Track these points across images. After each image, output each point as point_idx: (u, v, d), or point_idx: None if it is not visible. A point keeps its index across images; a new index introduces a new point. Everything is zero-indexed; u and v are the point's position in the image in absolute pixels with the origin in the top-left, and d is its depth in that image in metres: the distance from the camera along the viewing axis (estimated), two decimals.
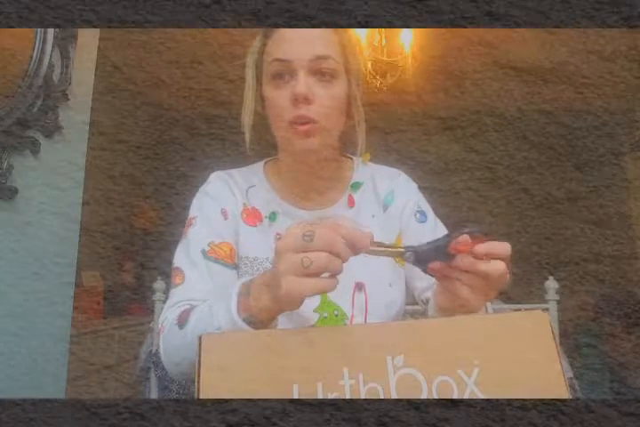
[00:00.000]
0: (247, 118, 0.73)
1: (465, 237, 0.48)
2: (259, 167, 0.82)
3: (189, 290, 0.68)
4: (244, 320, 0.51)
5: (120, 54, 2.79)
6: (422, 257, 0.49)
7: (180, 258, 0.72)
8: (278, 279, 0.45)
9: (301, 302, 0.47)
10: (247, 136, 0.73)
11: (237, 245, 0.74)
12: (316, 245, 0.44)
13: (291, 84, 0.67)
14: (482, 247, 0.48)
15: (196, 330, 0.56)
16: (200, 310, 0.59)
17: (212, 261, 0.70)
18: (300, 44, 0.68)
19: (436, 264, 0.50)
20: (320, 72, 0.68)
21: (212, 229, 0.73)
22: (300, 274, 0.44)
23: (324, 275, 0.45)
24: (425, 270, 0.50)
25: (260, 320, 0.51)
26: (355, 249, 0.46)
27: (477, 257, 0.48)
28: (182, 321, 0.60)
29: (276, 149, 0.78)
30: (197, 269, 0.70)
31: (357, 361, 0.43)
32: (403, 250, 0.49)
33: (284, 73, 0.68)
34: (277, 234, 0.75)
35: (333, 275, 0.46)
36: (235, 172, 0.80)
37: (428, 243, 0.50)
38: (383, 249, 0.49)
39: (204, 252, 0.71)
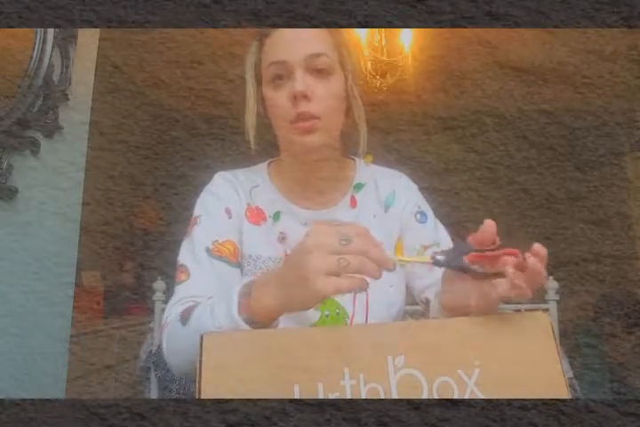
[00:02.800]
0: (250, 121, 0.74)
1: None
2: (262, 167, 0.82)
3: (193, 287, 0.68)
4: (244, 320, 0.51)
5: (120, 54, 2.79)
6: (453, 254, 0.49)
7: (184, 255, 0.72)
8: (304, 278, 0.45)
9: (320, 301, 0.47)
10: (251, 138, 0.74)
11: (241, 243, 0.75)
12: (352, 250, 0.44)
13: (289, 84, 0.68)
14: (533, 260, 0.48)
15: (197, 328, 0.56)
16: (202, 308, 0.59)
17: (216, 259, 0.71)
18: (294, 44, 0.69)
19: (474, 254, 0.49)
20: (316, 69, 0.68)
21: (216, 228, 0.74)
22: (333, 274, 0.44)
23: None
24: (460, 264, 0.49)
25: (260, 320, 0.51)
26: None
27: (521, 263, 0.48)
28: (185, 318, 0.60)
29: (278, 149, 0.79)
30: (202, 267, 0.70)
31: (358, 361, 0.43)
32: (430, 259, 0.49)
33: (282, 74, 0.69)
34: (281, 233, 0.75)
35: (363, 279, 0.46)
36: (239, 172, 0.81)
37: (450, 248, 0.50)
38: (410, 259, 0.50)
39: (208, 250, 0.71)
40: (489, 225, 0.48)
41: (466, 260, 0.48)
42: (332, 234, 0.45)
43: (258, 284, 0.52)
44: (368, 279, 0.46)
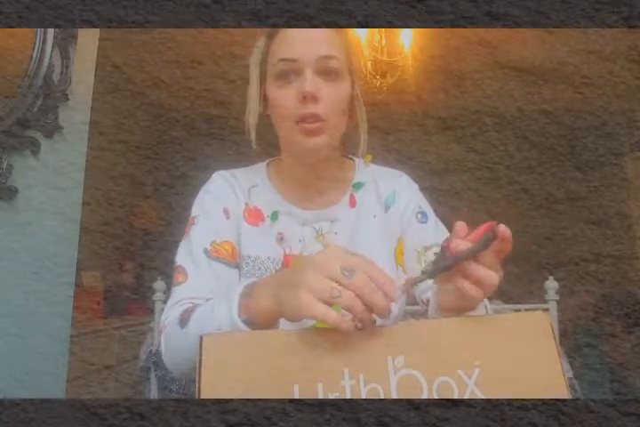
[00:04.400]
0: (252, 119, 0.73)
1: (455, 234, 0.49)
2: (261, 167, 0.82)
3: (191, 288, 0.68)
4: (243, 322, 0.51)
5: (120, 54, 2.79)
6: (438, 261, 0.49)
7: (182, 256, 0.72)
8: (296, 292, 0.44)
9: (302, 319, 0.46)
10: (252, 137, 0.74)
11: (239, 244, 0.74)
12: (351, 285, 0.43)
13: (297, 84, 0.67)
14: (475, 270, 0.48)
15: (197, 330, 0.56)
16: (202, 310, 0.59)
17: (214, 260, 0.71)
18: (306, 43, 0.68)
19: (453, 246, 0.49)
20: (326, 71, 0.68)
21: (214, 228, 0.73)
22: (321, 300, 0.43)
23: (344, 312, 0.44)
24: (449, 261, 0.49)
25: (259, 322, 0.51)
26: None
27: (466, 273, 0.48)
28: (184, 320, 0.60)
29: (278, 149, 0.78)
30: (199, 268, 0.70)
31: (358, 361, 0.43)
32: (423, 275, 0.50)
33: (290, 72, 0.68)
34: (279, 233, 0.75)
35: (353, 324, 0.44)
36: (237, 171, 0.81)
37: (433, 260, 0.50)
38: (409, 282, 0.50)
39: (206, 251, 0.71)
40: (459, 225, 0.50)
41: (449, 255, 0.49)
42: (339, 260, 0.44)
43: (258, 285, 0.52)
44: (357, 323, 0.44)
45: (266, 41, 0.72)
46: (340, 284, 0.43)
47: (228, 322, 0.52)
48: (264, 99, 0.73)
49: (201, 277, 0.69)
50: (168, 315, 0.66)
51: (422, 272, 0.50)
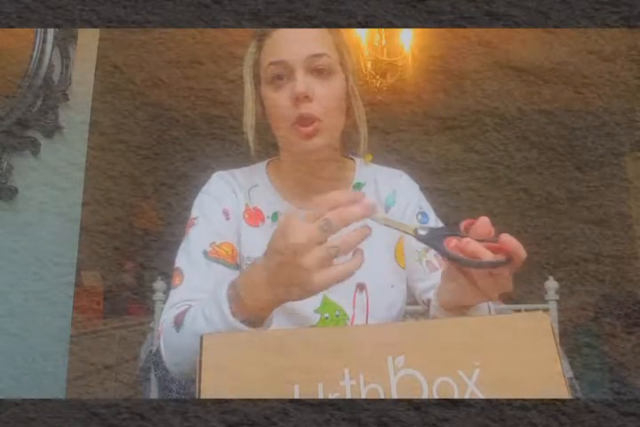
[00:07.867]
0: (249, 122, 0.73)
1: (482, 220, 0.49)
2: (261, 167, 0.82)
3: (189, 290, 0.68)
4: (241, 322, 0.51)
5: (120, 54, 2.79)
6: (436, 233, 0.50)
7: (181, 258, 0.72)
8: (299, 278, 0.46)
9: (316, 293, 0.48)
10: (251, 138, 0.73)
11: (239, 245, 0.74)
12: (336, 228, 0.45)
13: (289, 85, 0.67)
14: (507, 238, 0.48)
15: (192, 332, 0.56)
16: (194, 312, 0.59)
17: (214, 261, 0.70)
18: (294, 44, 0.68)
19: (452, 240, 0.49)
20: (317, 70, 0.68)
21: (214, 230, 0.73)
22: (329, 264, 0.46)
23: (345, 260, 0.46)
24: (440, 248, 0.50)
25: (255, 315, 0.51)
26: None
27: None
28: (179, 323, 0.60)
29: (277, 149, 0.78)
30: (197, 270, 0.69)
31: (358, 362, 0.43)
32: (413, 231, 0.50)
33: (282, 74, 0.68)
34: None
35: (358, 256, 0.47)
36: (237, 172, 0.80)
37: (434, 229, 0.51)
38: (394, 221, 0.50)
39: (205, 252, 0.70)
40: (484, 222, 0.49)
41: (445, 244, 0.49)
42: (309, 224, 0.45)
43: (243, 283, 0.52)
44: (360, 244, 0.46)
45: (256, 45, 0.73)
46: (328, 240, 0.45)
47: (224, 325, 0.52)
48: (261, 102, 0.73)
49: (198, 279, 0.69)
50: (165, 317, 0.66)
51: (414, 230, 0.50)
